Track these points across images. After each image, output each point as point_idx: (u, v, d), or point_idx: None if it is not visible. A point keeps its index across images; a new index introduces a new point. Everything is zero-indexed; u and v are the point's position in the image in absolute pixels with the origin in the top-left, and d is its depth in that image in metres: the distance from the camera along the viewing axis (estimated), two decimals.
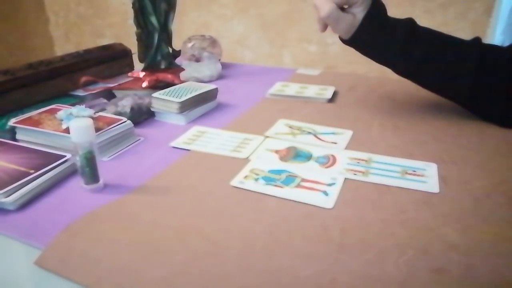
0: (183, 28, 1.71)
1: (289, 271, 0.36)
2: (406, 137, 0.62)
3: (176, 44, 0.86)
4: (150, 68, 0.81)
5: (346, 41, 0.66)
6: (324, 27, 0.65)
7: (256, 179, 0.50)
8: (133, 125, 0.62)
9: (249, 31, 1.72)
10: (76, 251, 0.39)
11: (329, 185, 0.49)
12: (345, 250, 0.38)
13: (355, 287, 0.34)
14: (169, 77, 0.79)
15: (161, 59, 0.82)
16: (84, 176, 0.48)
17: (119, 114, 0.65)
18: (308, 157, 0.56)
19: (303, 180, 0.50)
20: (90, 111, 0.60)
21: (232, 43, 1.75)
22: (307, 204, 0.45)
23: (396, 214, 0.44)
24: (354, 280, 0.35)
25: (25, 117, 0.61)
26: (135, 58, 0.84)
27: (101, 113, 0.63)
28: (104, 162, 0.55)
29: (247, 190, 0.48)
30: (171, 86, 0.74)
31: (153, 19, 0.78)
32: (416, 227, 0.41)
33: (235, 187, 0.49)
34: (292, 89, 0.84)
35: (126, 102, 0.67)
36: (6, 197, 0.44)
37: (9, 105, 0.67)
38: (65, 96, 0.76)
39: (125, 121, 0.60)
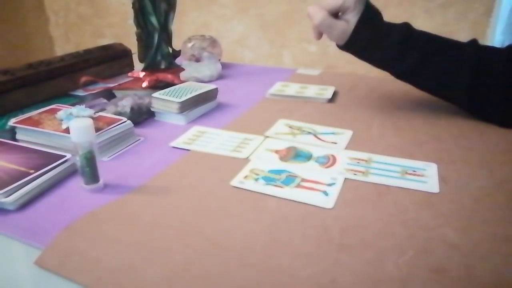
0: (183, 28, 1.71)
1: (289, 271, 0.36)
2: (406, 137, 0.62)
3: (176, 44, 0.86)
4: (150, 68, 0.81)
5: (341, 47, 0.68)
6: (319, 35, 0.67)
7: (256, 179, 0.50)
8: (133, 125, 0.62)
9: (249, 31, 1.73)
10: (76, 251, 0.39)
11: (329, 185, 0.49)
12: (345, 250, 0.38)
13: (355, 287, 0.34)
14: (169, 77, 0.79)
15: (161, 59, 0.82)
16: (84, 176, 0.48)
17: (119, 114, 0.65)
18: (308, 157, 0.56)
19: (303, 180, 0.50)
20: (90, 111, 0.60)
21: (232, 43, 1.75)
22: (307, 204, 0.45)
23: (396, 214, 0.44)
24: (354, 280, 0.35)
25: (25, 117, 0.61)
26: (135, 58, 0.84)
27: (101, 113, 0.63)
28: (104, 162, 0.55)
29: (247, 190, 0.48)
30: (171, 86, 0.74)
31: (153, 19, 0.78)
32: (416, 227, 0.41)
33: (235, 187, 0.49)
34: (292, 89, 0.84)
35: (126, 102, 0.67)
36: (6, 197, 0.44)
37: (9, 105, 0.67)
38: (65, 96, 0.76)
39: (125, 121, 0.60)
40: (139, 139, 0.63)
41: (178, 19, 0.83)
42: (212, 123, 0.69)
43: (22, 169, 0.49)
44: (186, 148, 0.59)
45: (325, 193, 0.47)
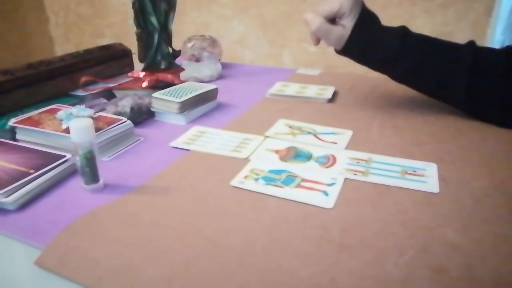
0: (183, 28, 1.71)
1: (289, 271, 0.36)
2: (406, 137, 0.62)
3: (176, 44, 0.86)
4: (150, 68, 0.81)
5: (339, 52, 0.68)
6: (317, 40, 0.68)
7: (256, 179, 0.50)
8: (133, 125, 0.62)
9: (249, 31, 1.73)
10: (76, 251, 0.39)
11: (329, 185, 0.49)
12: (345, 250, 0.38)
13: (355, 287, 0.34)
14: (169, 77, 0.79)
15: (161, 59, 0.82)
16: (84, 176, 0.48)
17: (119, 114, 0.65)
18: (308, 157, 0.56)
19: (303, 180, 0.50)
20: (90, 111, 0.60)
21: (232, 43, 1.75)
22: (307, 204, 0.45)
23: (396, 214, 0.44)
24: (354, 280, 0.35)
25: (25, 117, 0.61)
26: (135, 58, 0.84)
27: (101, 113, 0.63)
28: (104, 162, 0.55)
29: (247, 190, 0.48)
30: (171, 86, 0.74)
31: (153, 19, 0.78)
32: (416, 227, 0.41)
33: (235, 187, 0.49)
34: (292, 89, 0.84)
35: (126, 102, 0.67)
36: (6, 197, 0.44)
37: (9, 105, 0.67)
38: (65, 96, 0.76)
39: (125, 121, 0.60)
40: (139, 139, 0.63)
41: (178, 19, 0.83)
42: (212, 123, 0.69)
43: (22, 169, 0.49)
44: (186, 148, 0.59)
45: (325, 193, 0.47)
